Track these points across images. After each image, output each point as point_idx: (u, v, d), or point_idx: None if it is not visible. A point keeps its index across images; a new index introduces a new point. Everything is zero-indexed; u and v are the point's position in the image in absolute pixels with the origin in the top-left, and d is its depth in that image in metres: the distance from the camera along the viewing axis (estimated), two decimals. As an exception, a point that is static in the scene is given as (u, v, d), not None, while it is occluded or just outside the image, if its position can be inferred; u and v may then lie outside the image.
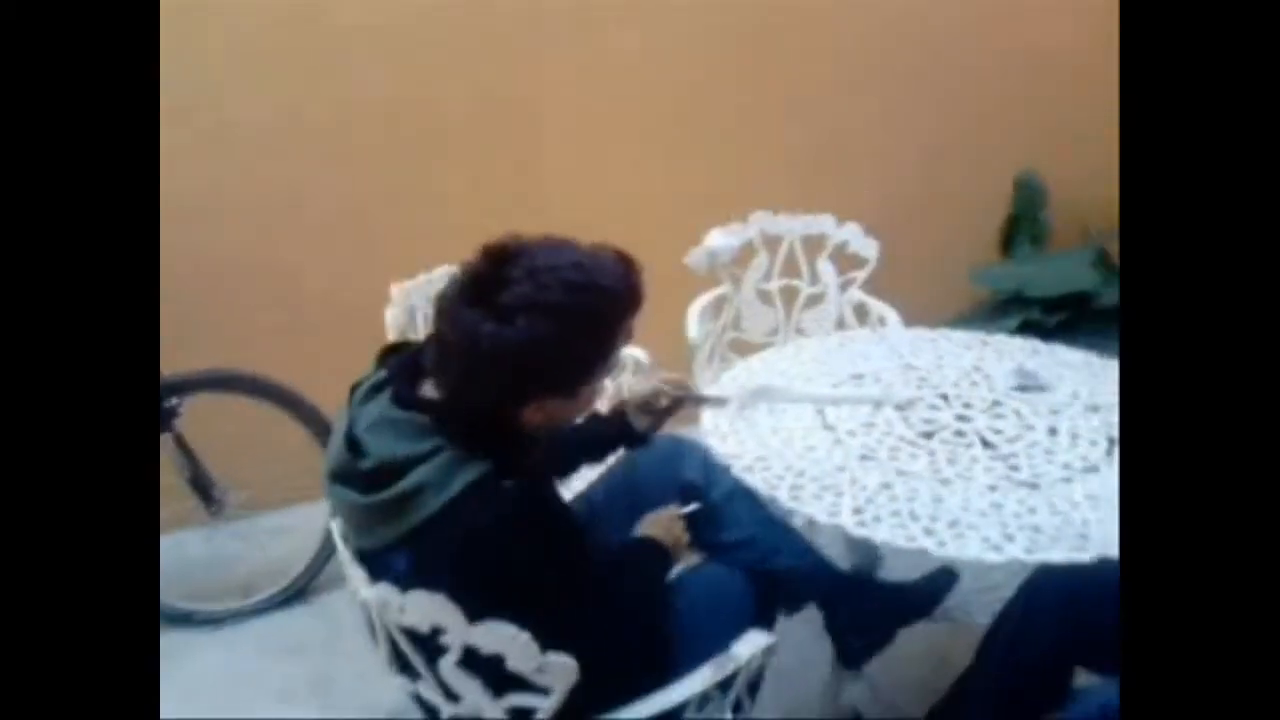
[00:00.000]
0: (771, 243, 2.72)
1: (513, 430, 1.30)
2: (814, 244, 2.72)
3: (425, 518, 1.21)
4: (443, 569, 1.20)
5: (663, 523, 1.63)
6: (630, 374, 1.77)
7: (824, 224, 2.71)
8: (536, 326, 1.19)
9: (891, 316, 2.52)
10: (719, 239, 2.64)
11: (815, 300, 2.74)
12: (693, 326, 2.53)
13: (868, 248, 2.63)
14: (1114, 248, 3.33)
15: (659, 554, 1.56)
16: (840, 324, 2.67)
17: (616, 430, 1.78)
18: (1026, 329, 3.16)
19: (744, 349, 2.59)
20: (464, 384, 1.25)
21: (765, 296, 2.75)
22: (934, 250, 3.33)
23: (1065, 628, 1.62)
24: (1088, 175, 3.49)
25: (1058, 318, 3.15)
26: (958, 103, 3.39)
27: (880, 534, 1.49)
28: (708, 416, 1.86)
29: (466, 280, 1.24)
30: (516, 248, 1.25)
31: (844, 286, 2.69)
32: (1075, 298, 3.15)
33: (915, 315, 3.13)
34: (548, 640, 1.19)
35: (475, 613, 1.19)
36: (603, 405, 1.88)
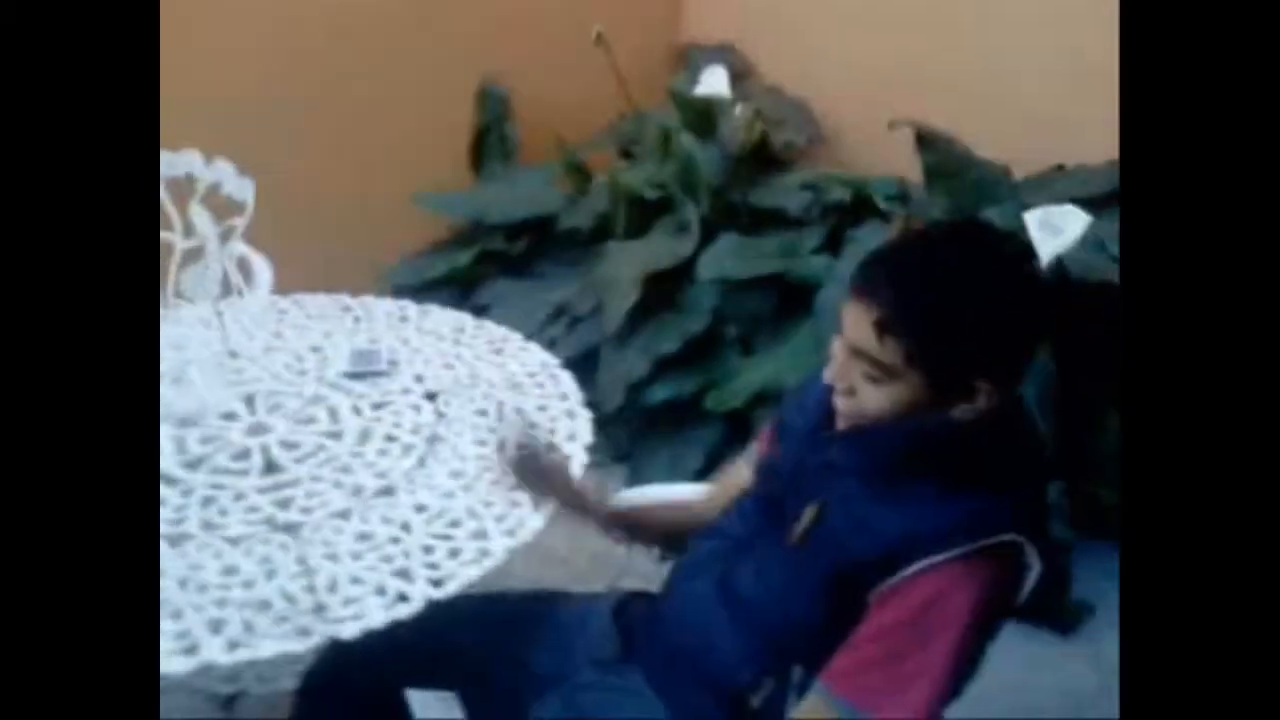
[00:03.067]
0: (124, 189, 2.15)
1: None
2: (182, 189, 2.19)
3: None
4: None
5: None
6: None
7: (188, 163, 2.16)
8: None
9: (263, 274, 2.06)
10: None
11: (195, 256, 2.22)
12: None
13: (243, 189, 2.13)
14: (586, 158, 3.07)
15: None
16: (226, 284, 2.18)
17: None
18: (486, 259, 2.85)
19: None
20: None
21: (126, 257, 2.18)
22: (397, 179, 2.90)
23: (369, 698, 1.30)
24: (555, 81, 3.21)
25: (520, 245, 2.86)
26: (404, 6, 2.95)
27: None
28: None
29: None
30: None
31: (226, 237, 2.19)
32: (537, 221, 2.87)
33: (376, 254, 2.79)
34: None
35: None
36: None
